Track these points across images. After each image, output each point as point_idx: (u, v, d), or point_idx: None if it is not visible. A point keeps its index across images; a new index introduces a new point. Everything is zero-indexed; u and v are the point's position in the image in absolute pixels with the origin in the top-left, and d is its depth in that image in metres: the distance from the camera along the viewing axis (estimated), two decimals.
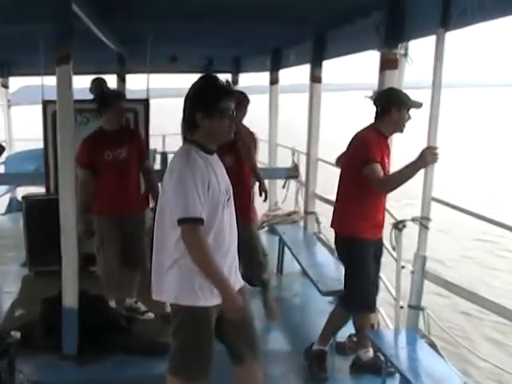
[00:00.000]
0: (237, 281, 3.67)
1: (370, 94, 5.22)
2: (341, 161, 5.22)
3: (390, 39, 5.31)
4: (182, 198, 3.32)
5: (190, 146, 3.48)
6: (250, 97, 5.87)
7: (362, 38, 6.24)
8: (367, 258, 4.90)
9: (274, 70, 10.14)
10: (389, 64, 5.35)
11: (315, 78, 7.93)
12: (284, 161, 9.88)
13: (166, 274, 3.50)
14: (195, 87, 3.50)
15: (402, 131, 4.86)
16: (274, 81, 10.17)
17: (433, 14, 4.54)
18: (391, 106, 4.73)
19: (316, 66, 7.91)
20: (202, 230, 3.35)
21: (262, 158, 10.87)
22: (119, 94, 5.97)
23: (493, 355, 7.66)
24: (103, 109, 5.67)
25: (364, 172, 4.65)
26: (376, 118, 4.89)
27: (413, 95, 4.78)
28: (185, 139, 3.59)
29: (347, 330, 5.29)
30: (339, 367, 5.14)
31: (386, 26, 5.35)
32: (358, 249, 4.87)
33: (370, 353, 5.07)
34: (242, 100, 5.70)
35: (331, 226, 5.12)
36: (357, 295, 4.93)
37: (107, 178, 5.66)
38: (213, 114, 3.41)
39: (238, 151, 5.56)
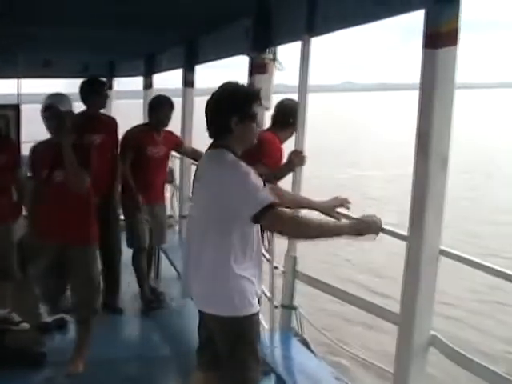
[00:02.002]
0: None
1: None
2: None
3: (259, 44, 5.38)
4: (255, 191, 3.20)
5: (224, 150, 3.37)
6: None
7: (232, 43, 6.32)
8: None
9: (147, 75, 10.08)
10: (258, 68, 5.42)
11: (188, 83, 7.97)
12: None
13: (216, 284, 3.41)
14: (227, 91, 3.42)
15: None
16: (147, 85, 10.10)
17: (299, 21, 4.67)
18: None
19: (188, 71, 7.95)
20: None
21: None
22: None
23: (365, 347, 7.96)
24: None
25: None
26: (278, 125, 5.20)
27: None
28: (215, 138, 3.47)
29: None
30: None
31: (254, 32, 5.44)
32: None
33: None
34: None
35: None
36: None
37: None
38: (246, 119, 3.36)
39: None
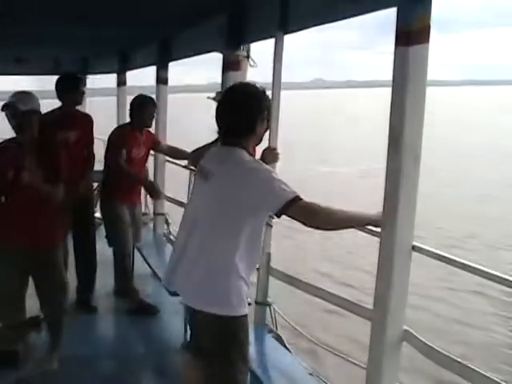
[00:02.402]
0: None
1: (213, 95, 5.32)
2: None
3: (232, 41, 5.39)
4: (280, 186, 3.22)
5: (240, 149, 3.40)
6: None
7: (206, 40, 6.32)
8: None
9: (121, 72, 10.05)
10: (231, 65, 5.43)
11: (161, 80, 7.96)
12: None
13: (217, 283, 3.37)
14: (254, 92, 3.47)
15: None
16: (121, 82, 10.07)
17: (272, 18, 4.67)
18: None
19: (162, 68, 7.93)
20: None
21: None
22: None
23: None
24: None
25: None
26: None
27: None
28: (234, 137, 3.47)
29: None
30: None
31: (228, 29, 5.45)
32: None
33: None
34: None
35: None
36: None
37: None
38: (265, 119, 3.46)
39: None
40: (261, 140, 3.57)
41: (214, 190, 3.40)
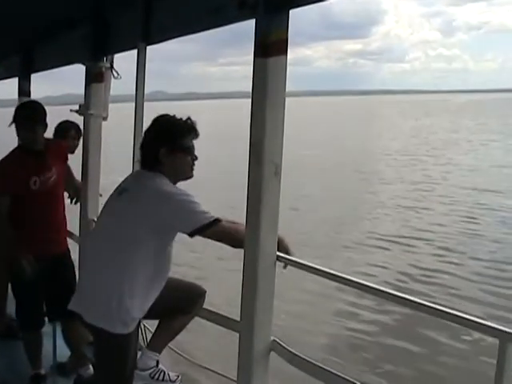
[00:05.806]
0: None
1: (76, 107, 5.22)
2: None
3: (95, 52, 5.30)
4: (198, 208, 3.34)
5: (159, 173, 3.46)
6: None
7: (68, 51, 6.16)
8: None
9: None
10: (94, 77, 5.33)
11: (23, 92, 7.70)
12: None
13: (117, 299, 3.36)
14: (158, 123, 3.58)
15: None
16: None
17: (135, 29, 4.65)
18: None
19: (24, 80, 7.68)
20: None
21: None
22: None
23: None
24: None
25: None
26: None
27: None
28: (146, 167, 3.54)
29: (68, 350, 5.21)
30: None
31: (91, 40, 5.34)
32: None
33: (91, 370, 5.01)
34: None
35: None
36: None
37: None
38: (176, 150, 3.48)
39: None
40: (185, 172, 3.57)
41: (122, 204, 3.46)
